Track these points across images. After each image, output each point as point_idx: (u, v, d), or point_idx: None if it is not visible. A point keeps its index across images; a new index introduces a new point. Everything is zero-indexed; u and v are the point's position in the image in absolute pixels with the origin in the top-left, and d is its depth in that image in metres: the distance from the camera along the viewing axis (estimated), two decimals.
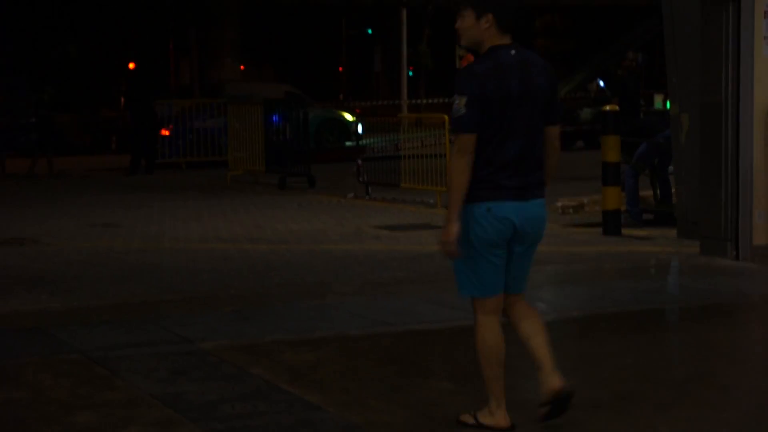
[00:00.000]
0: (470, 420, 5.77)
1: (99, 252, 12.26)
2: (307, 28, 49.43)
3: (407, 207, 16.18)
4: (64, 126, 29.47)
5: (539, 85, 5.52)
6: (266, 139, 20.95)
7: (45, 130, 24.27)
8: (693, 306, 9.09)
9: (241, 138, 21.90)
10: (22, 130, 25.10)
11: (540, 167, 5.59)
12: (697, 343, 7.79)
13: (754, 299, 9.46)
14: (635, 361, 7.22)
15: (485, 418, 5.72)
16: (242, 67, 42.16)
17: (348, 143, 29.32)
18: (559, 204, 15.02)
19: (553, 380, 5.68)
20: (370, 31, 52.79)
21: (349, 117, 31.01)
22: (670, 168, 13.58)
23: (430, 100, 40.68)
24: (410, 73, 42.49)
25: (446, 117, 20.01)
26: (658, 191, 14.05)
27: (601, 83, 32.40)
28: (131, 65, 48.54)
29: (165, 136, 25.39)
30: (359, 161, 18.70)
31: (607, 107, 13.11)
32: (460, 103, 5.37)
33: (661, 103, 26.22)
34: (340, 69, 57.85)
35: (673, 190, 13.43)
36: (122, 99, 42.96)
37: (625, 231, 12.84)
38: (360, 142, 22.52)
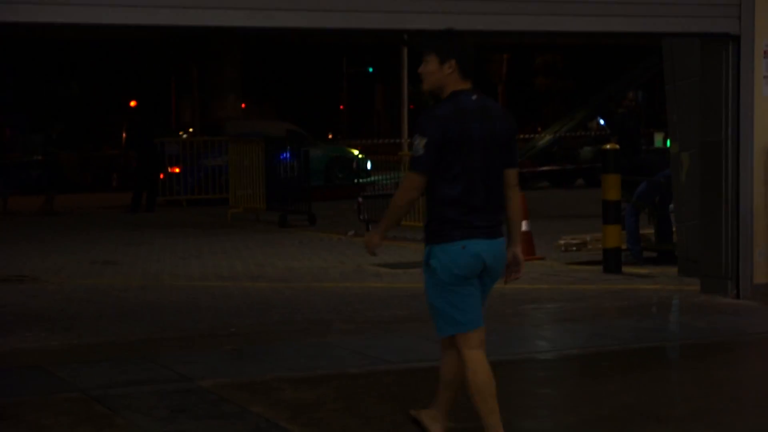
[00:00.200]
0: None
1: (99, 289, 12.25)
2: (308, 66, 49.62)
3: (408, 245, 16.16)
4: (65, 164, 29.49)
5: (498, 130, 5.73)
6: (267, 177, 20.98)
7: (52, 168, 24.31)
8: (694, 344, 9.08)
9: (242, 175, 21.93)
10: (24, 168, 25.15)
11: (501, 208, 5.84)
12: (698, 382, 7.77)
13: (754, 337, 9.44)
14: (636, 399, 7.20)
15: None
16: (243, 105, 42.26)
17: (358, 180, 29.43)
18: (562, 242, 15.01)
19: (437, 427, 6.03)
20: (371, 70, 53.00)
21: (358, 154, 31.22)
22: (671, 206, 13.59)
23: None
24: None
25: None
26: (659, 230, 14.04)
27: (602, 122, 32.52)
28: (132, 103, 48.70)
29: (174, 173, 25.48)
30: (360, 199, 18.72)
31: (608, 146, 13.15)
32: (419, 143, 5.59)
33: (661, 141, 26.31)
34: (341, 107, 58.03)
35: (673, 229, 13.43)
36: (123, 137, 43.07)
37: (625, 269, 12.85)
38: (369, 179, 22.61)
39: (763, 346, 9.19)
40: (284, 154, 20.99)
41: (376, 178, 22.84)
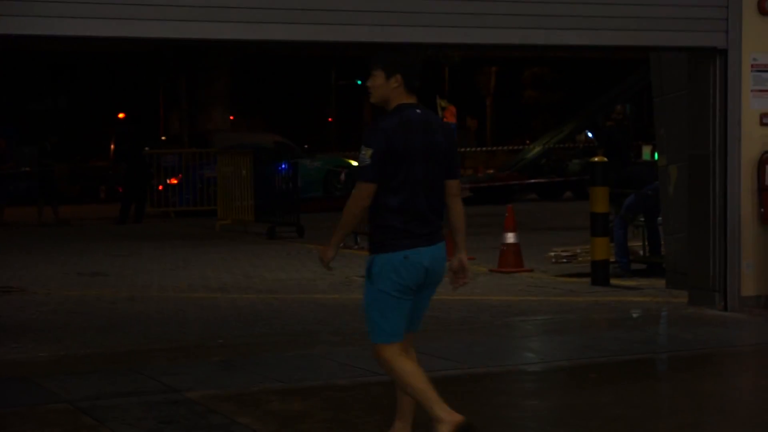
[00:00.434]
0: None
1: (87, 301, 12.23)
2: (297, 78, 49.63)
3: None
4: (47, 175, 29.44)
5: (440, 143, 5.96)
6: (256, 189, 20.97)
7: (46, 180, 24.29)
8: (681, 356, 9.10)
9: (231, 187, 21.92)
10: (14, 180, 25.10)
11: (441, 217, 6.01)
12: (685, 394, 7.79)
13: (742, 350, 9.47)
14: (624, 412, 7.21)
15: (442, 427, 5.86)
16: (231, 117, 42.24)
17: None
18: (552, 254, 15.04)
19: None
20: (359, 82, 53.03)
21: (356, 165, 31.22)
22: (659, 219, 13.63)
23: None
24: None
25: None
26: (649, 242, 14.07)
27: (590, 134, 32.59)
28: (121, 115, 48.63)
29: (173, 185, 25.47)
30: None
31: (596, 158, 13.18)
32: (366, 154, 5.80)
33: (649, 154, 26.34)
34: (330, 119, 58.04)
35: (662, 241, 13.47)
36: (112, 148, 43.00)
37: (613, 281, 12.88)
38: None
39: (750, 359, 9.21)
40: (282, 166, 21.02)
41: None
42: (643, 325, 10.74)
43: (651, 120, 13.14)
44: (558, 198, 30.29)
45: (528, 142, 41.59)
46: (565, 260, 14.84)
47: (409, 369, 5.95)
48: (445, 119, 33.33)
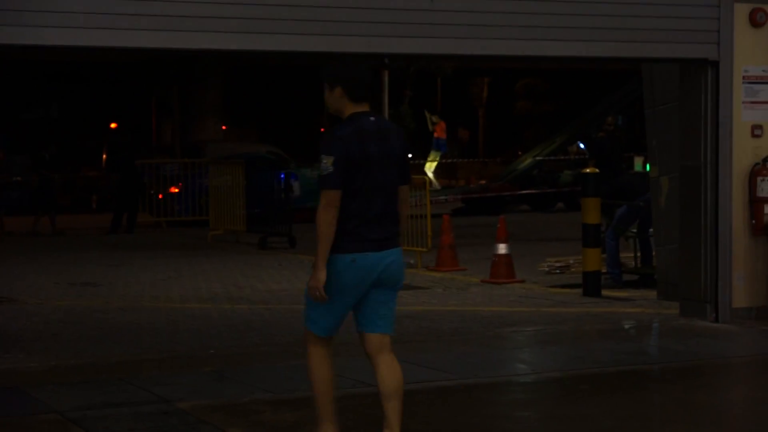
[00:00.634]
0: None
1: (78, 311, 12.20)
2: (290, 88, 49.65)
3: None
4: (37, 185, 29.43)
5: (395, 149, 6.19)
6: (248, 199, 20.96)
7: (45, 190, 24.27)
8: (673, 368, 9.10)
9: (223, 197, 21.91)
10: (5, 189, 25.08)
11: (397, 222, 6.24)
12: (677, 405, 7.79)
13: (733, 361, 9.48)
14: (616, 423, 7.21)
15: None
16: (224, 127, 42.26)
17: None
18: (546, 264, 15.05)
19: None
20: None
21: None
22: (651, 230, 13.64)
23: (411, 161, 40.83)
24: None
25: (427, 178, 20.09)
26: (639, 253, 14.08)
27: (582, 146, 32.65)
28: (113, 125, 48.61)
29: (174, 194, 25.46)
30: None
31: (587, 170, 13.19)
32: (327, 162, 5.99)
33: (641, 165, 26.38)
34: (322, 129, 58.05)
35: (653, 253, 13.47)
36: (104, 158, 42.97)
37: (605, 292, 12.88)
38: None
39: (741, 370, 9.22)
40: (281, 176, 21.01)
41: None
42: (635, 336, 10.74)
43: (643, 131, 13.16)
44: (550, 209, 30.30)
45: (520, 153, 41.63)
46: (558, 271, 14.85)
47: (321, 375, 6.27)
48: (435, 134, 33.46)
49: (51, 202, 24.08)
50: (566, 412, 7.57)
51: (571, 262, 14.91)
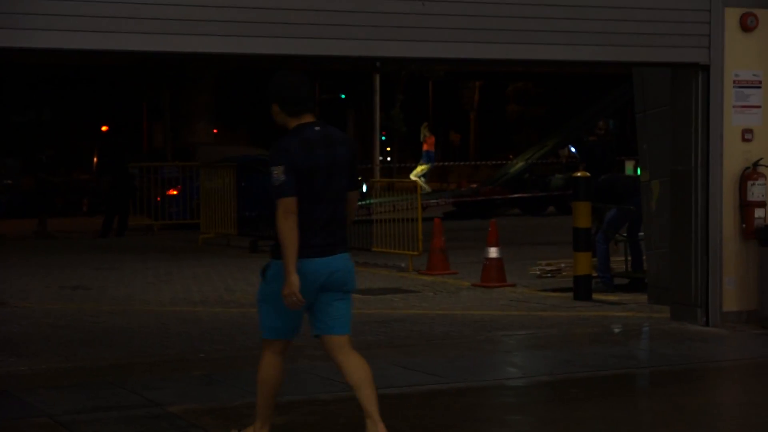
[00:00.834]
0: None
1: (68, 314, 12.18)
2: None
3: (379, 271, 16.17)
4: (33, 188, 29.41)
5: (342, 156, 6.34)
6: (239, 202, 20.94)
7: (43, 193, 24.23)
8: (663, 371, 9.11)
9: (214, 200, 21.89)
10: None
11: (343, 227, 6.40)
12: (667, 409, 7.79)
13: (723, 365, 9.49)
14: (606, 426, 7.21)
15: None
16: (215, 130, 42.25)
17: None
18: (537, 268, 15.06)
19: (379, 429, 6.29)
20: (343, 96, 53.10)
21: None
22: (641, 234, 13.66)
23: (402, 165, 40.84)
24: (383, 138, 42.69)
25: (419, 181, 20.10)
26: (631, 257, 14.08)
27: (573, 149, 32.69)
28: (104, 128, 48.54)
29: (172, 196, 25.46)
30: None
31: (579, 173, 13.20)
32: (278, 172, 6.17)
33: (632, 169, 26.42)
34: None
35: (644, 256, 13.48)
36: (95, 161, 42.90)
37: (596, 296, 12.90)
38: (366, 202, 22.67)
39: (731, 374, 9.23)
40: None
41: (377, 200, 22.64)
42: (625, 340, 10.75)
43: (634, 135, 13.17)
44: (541, 213, 30.31)
45: (511, 156, 41.67)
46: (549, 274, 14.86)
47: (267, 377, 6.44)
48: (425, 147, 33.72)
49: (48, 205, 24.06)
50: (557, 416, 7.57)
51: (563, 265, 14.93)
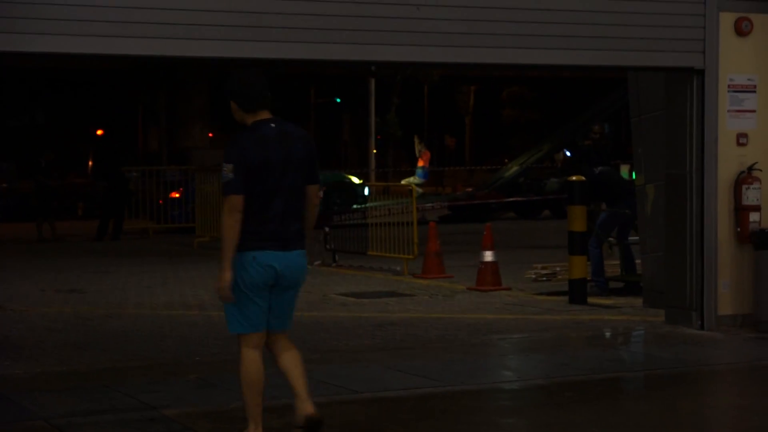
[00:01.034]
0: None
1: (63, 318, 12.18)
2: (276, 96, 49.64)
3: (374, 274, 16.18)
4: (31, 192, 29.36)
5: (297, 152, 6.52)
6: None
7: (43, 196, 24.22)
8: (658, 375, 9.12)
9: (209, 204, 21.89)
10: None
11: (299, 220, 6.55)
12: (661, 412, 7.80)
13: (718, 368, 9.50)
14: (601, 430, 7.22)
15: None
16: (211, 134, 42.25)
17: (355, 206, 29.58)
18: (532, 272, 15.08)
19: (307, 406, 6.62)
20: (338, 100, 53.12)
21: (356, 180, 31.46)
22: (631, 238, 13.69)
23: (397, 169, 40.85)
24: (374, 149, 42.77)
25: (414, 186, 20.11)
26: (623, 261, 14.10)
27: (568, 153, 32.71)
28: (99, 131, 48.52)
29: (174, 199, 25.49)
30: (326, 228, 18.70)
31: (574, 177, 13.21)
32: (227, 169, 6.35)
33: (627, 173, 26.46)
34: None
35: (637, 261, 13.49)
36: (89, 164, 42.87)
37: (591, 300, 12.91)
38: (367, 205, 22.77)
39: (727, 377, 9.25)
40: None
41: (378, 203, 22.64)
42: (620, 343, 10.76)
43: (629, 139, 13.19)
44: (536, 216, 30.35)
45: (506, 160, 41.68)
46: (544, 278, 14.88)
47: (249, 375, 6.54)
48: (419, 163, 33.90)
49: (47, 209, 24.05)
50: (552, 419, 7.58)
51: (558, 269, 14.94)
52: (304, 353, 9.82)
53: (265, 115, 6.57)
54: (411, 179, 32.46)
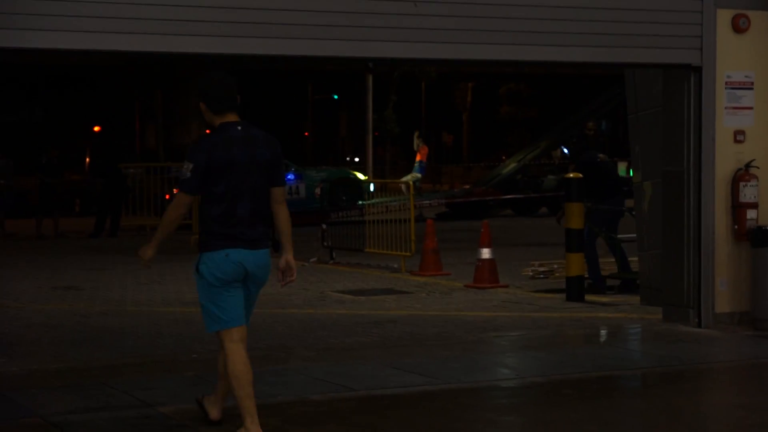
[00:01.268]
0: None
1: (60, 315, 12.17)
2: (274, 92, 49.65)
3: (371, 272, 16.17)
4: (27, 189, 29.32)
5: (262, 155, 6.67)
6: None
7: (45, 193, 24.21)
8: (655, 372, 9.11)
9: None
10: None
11: (265, 222, 6.72)
12: (659, 410, 7.80)
13: (715, 366, 9.50)
14: (599, 428, 7.22)
15: None
16: (208, 131, 42.27)
17: (360, 202, 29.62)
18: (529, 269, 15.06)
19: (215, 410, 7.08)
20: (335, 96, 53.11)
21: (361, 176, 31.51)
22: (617, 235, 13.70)
23: (393, 163, 40.84)
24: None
25: (411, 183, 20.09)
26: (618, 258, 14.08)
27: (565, 150, 32.74)
28: (96, 128, 48.49)
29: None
30: (324, 226, 18.69)
31: (571, 174, 13.20)
32: (187, 168, 6.55)
33: (624, 170, 26.47)
34: (306, 133, 58.03)
35: (633, 258, 13.47)
36: (87, 161, 42.84)
37: (588, 297, 12.90)
38: (372, 201, 22.77)
39: (724, 375, 9.24)
40: (289, 176, 21.02)
41: (375, 200, 22.59)
42: (618, 341, 10.76)
43: (626, 136, 13.18)
44: (533, 214, 30.35)
45: (504, 157, 41.72)
46: (542, 275, 14.87)
47: (235, 369, 6.65)
48: (417, 157, 33.94)
49: (50, 206, 24.05)
50: (550, 416, 7.58)
51: (555, 267, 14.93)
52: (301, 350, 9.86)
53: (232, 117, 6.72)
54: (411, 176, 32.51)
